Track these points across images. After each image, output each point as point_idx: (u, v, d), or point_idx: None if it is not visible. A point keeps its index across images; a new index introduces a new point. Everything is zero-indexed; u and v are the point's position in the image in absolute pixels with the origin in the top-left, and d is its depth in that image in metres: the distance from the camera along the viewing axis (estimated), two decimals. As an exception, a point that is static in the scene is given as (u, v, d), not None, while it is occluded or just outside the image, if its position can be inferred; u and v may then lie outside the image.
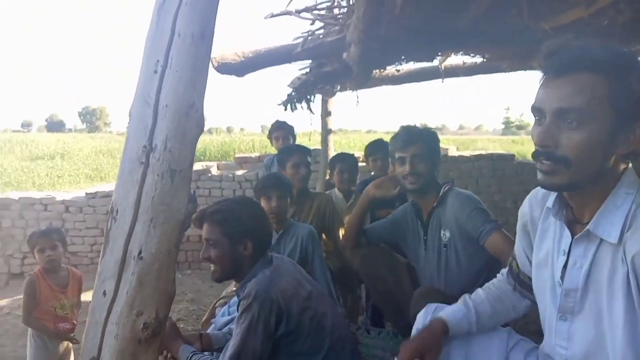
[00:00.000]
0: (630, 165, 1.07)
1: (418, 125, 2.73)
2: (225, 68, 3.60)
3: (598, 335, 1.09)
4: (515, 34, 2.69)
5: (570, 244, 1.13)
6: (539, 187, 1.24)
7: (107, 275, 1.13)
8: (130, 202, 1.14)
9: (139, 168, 1.15)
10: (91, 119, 79.34)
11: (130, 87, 1.26)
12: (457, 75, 4.64)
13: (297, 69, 4.27)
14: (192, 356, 1.87)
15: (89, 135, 36.38)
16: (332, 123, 5.70)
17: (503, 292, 1.45)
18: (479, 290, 1.49)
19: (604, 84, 0.97)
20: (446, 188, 2.25)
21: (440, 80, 4.49)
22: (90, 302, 1.18)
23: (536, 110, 1.04)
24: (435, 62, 4.12)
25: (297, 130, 4.28)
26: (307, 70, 4.10)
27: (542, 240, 1.25)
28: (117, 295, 1.10)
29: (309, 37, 3.39)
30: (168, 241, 1.15)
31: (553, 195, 1.17)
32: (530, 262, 1.32)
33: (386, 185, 2.41)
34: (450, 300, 2.03)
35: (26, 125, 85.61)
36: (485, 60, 3.98)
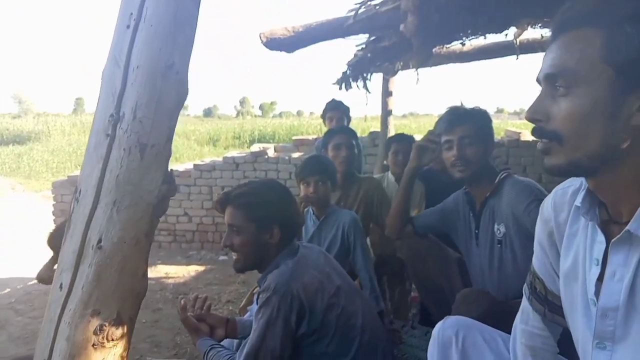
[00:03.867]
0: None
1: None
2: (275, 44, 3.44)
3: None
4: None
5: (606, 250, 0.86)
6: (564, 185, 1.02)
7: (65, 266, 0.95)
8: (92, 182, 0.95)
9: (104, 141, 0.96)
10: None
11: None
12: (535, 51, 4.13)
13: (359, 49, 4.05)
14: (209, 350, 1.75)
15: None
16: (393, 104, 5.38)
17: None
18: None
19: (596, 39, 0.79)
20: (503, 175, 1.94)
21: (515, 57, 4.03)
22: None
23: (537, 82, 0.88)
24: (509, 37, 3.67)
25: (357, 112, 4.09)
26: (363, 46, 3.84)
27: (569, 246, 0.97)
28: (72, 290, 0.93)
29: (362, 8, 3.13)
30: (135, 228, 0.95)
31: (583, 192, 0.92)
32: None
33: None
34: (497, 305, 1.73)
35: None
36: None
